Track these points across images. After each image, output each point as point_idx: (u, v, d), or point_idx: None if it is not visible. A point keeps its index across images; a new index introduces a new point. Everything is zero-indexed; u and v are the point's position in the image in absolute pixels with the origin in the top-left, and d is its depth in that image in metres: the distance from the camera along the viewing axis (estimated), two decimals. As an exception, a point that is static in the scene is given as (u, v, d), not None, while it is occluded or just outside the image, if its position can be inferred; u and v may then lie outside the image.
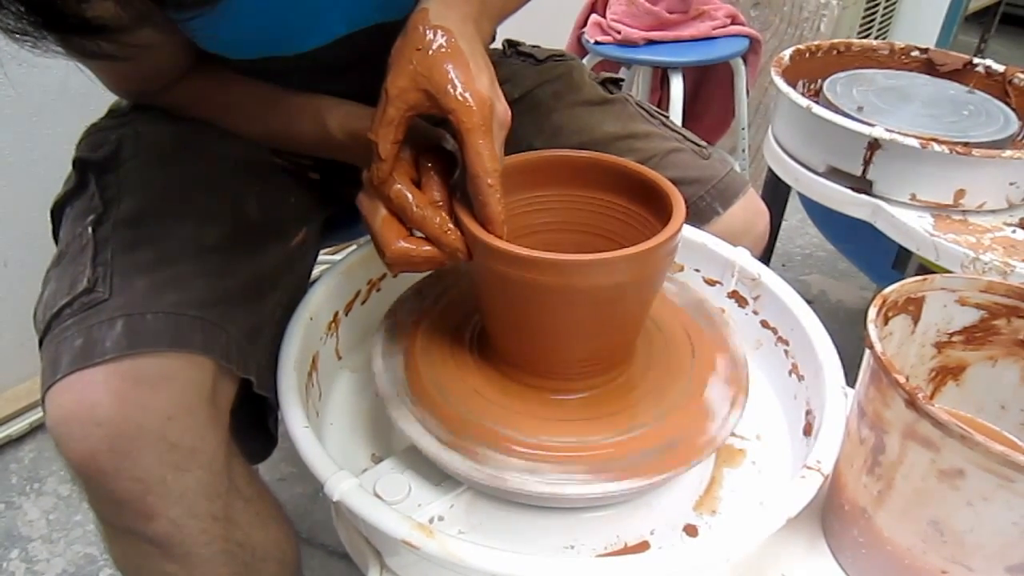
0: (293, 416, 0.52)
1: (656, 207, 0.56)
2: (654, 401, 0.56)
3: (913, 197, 0.92)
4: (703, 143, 0.79)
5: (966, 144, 0.90)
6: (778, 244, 1.47)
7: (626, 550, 0.53)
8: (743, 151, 1.67)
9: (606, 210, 0.62)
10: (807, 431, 0.58)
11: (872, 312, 0.50)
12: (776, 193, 1.21)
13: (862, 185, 0.95)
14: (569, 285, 0.49)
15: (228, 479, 0.54)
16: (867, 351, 0.49)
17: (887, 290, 0.52)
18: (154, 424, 0.48)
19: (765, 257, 1.25)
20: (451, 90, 0.47)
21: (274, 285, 0.61)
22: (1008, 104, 1.08)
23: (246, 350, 0.55)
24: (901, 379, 0.44)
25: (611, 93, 0.81)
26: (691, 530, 0.55)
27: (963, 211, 0.92)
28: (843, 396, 0.55)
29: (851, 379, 0.54)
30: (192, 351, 0.51)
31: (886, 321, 0.53)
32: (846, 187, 0.97)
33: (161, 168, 0.61)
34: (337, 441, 0.61)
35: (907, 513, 0.47)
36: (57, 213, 0.62)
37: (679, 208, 0.52)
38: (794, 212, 1.54)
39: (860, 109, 1.01)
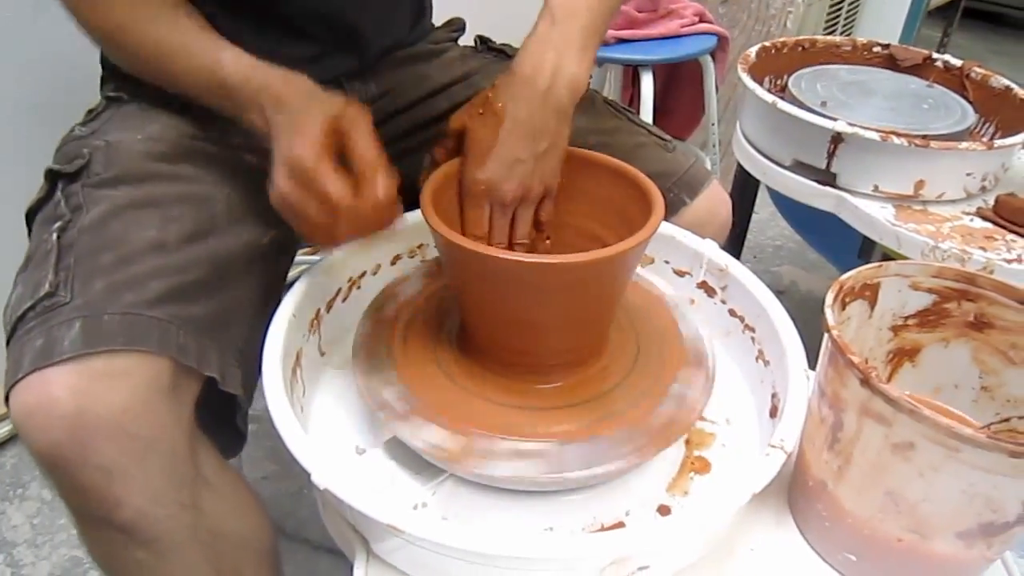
0: (279, 411, 0.54)
1: (633, 202, 0.59)
2: (628, 388, 0.58)
3: (875, 188, 0.95)
4: (668, 137, 0.81)
5: (924, 137, 0.94)
6: (749, 236, 1.50)
7: (603, 530, 0.56)
8: (714, 146, 1.70)
9: (582, 203, 0.64)
10: (773, 413, 0.61)
11: (829, 297, 0.53)
12: (746, 187, 1.24)
13: (826, 178, 0.98)
14: (540, 284, 0.52)
15: (194, 468, 0.56)
16: (825, 335, 0.51)
17: (844, 277, 0.55)
18: (111, 415, 0.50)
19: (736, 249, 1.28)
20: None
21: (238, 281, 0.62)
22: (966, 97, 1.12)
23: (206, 346, 0.56)
24: (856, 360, 0.47)
25: None
26: (664, 510, 0.57)
27: (923, 201, 0.96)
28: (806, 379, 0.57)
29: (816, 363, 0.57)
30: (147, 349, 0.52)
31: (844, 306, 0.55)
32: (811, 180, 1.00)
33: (128, 180, 0.61)
34: (322, 434, 0.63)
35: (865, 486, 0.50)
36: (30, 218, 0.64)
37: (657, 210, 0.55)
38: (765, 205, 1.57)
39: (824, 104, 1.04)
